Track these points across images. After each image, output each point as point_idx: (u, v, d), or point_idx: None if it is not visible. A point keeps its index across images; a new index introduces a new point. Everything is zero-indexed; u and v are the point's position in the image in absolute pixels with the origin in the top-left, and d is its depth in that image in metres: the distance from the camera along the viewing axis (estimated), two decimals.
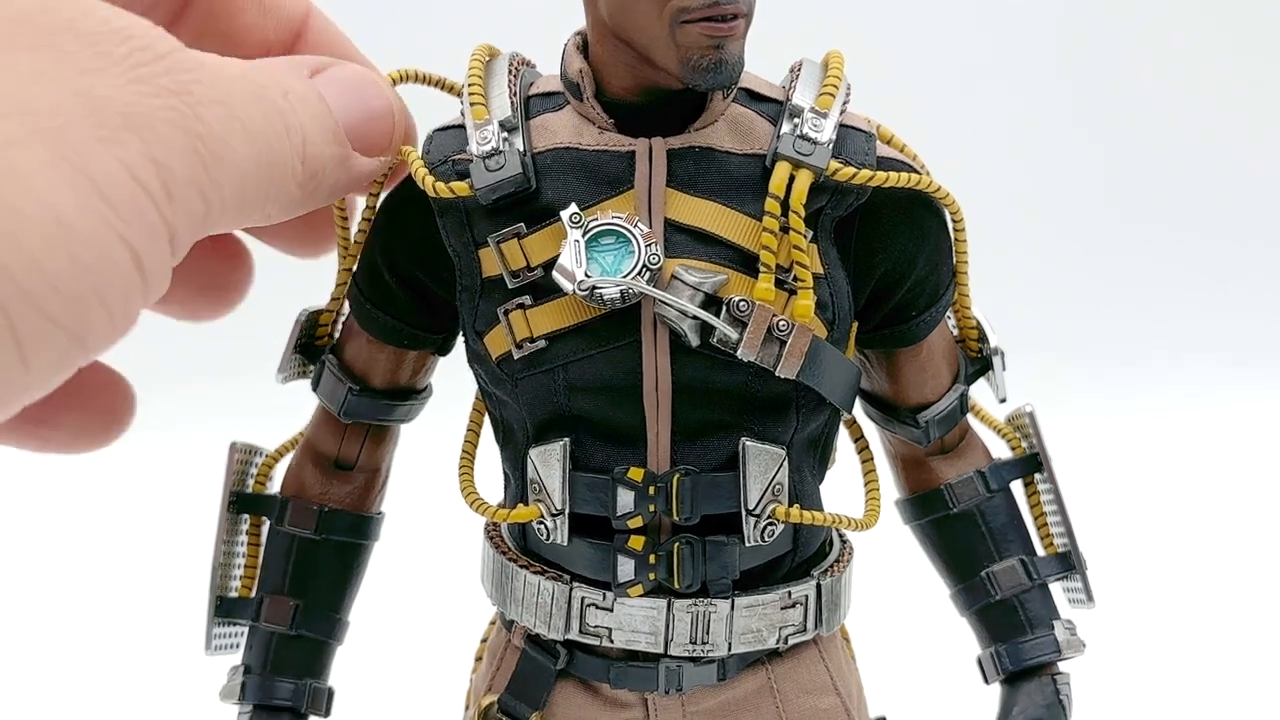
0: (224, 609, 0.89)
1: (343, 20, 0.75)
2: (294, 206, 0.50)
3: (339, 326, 0.88)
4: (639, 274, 0.70)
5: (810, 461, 0.81)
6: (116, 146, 0.37)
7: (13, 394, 0.37)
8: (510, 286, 0.74)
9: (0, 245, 0.34)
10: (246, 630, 0.89)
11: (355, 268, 0.83)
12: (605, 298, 0.70)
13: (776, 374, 0.73)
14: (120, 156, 0.37)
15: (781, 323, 0.72)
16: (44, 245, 0.35)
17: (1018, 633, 0.87)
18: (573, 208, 0.71)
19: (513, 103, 0.75)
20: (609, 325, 0.73)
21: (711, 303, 0.72)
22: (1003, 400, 0.90)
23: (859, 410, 0.88)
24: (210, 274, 0.63)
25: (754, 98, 0.76)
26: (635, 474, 0.75)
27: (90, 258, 0.37)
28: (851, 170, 0.73)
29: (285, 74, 0.52)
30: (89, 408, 0.54)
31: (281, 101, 0.49)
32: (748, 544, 0.77)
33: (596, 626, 0.79)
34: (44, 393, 0.39)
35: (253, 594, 0.89)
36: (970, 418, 0.91)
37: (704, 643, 0.78)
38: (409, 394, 0.88)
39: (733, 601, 0.78)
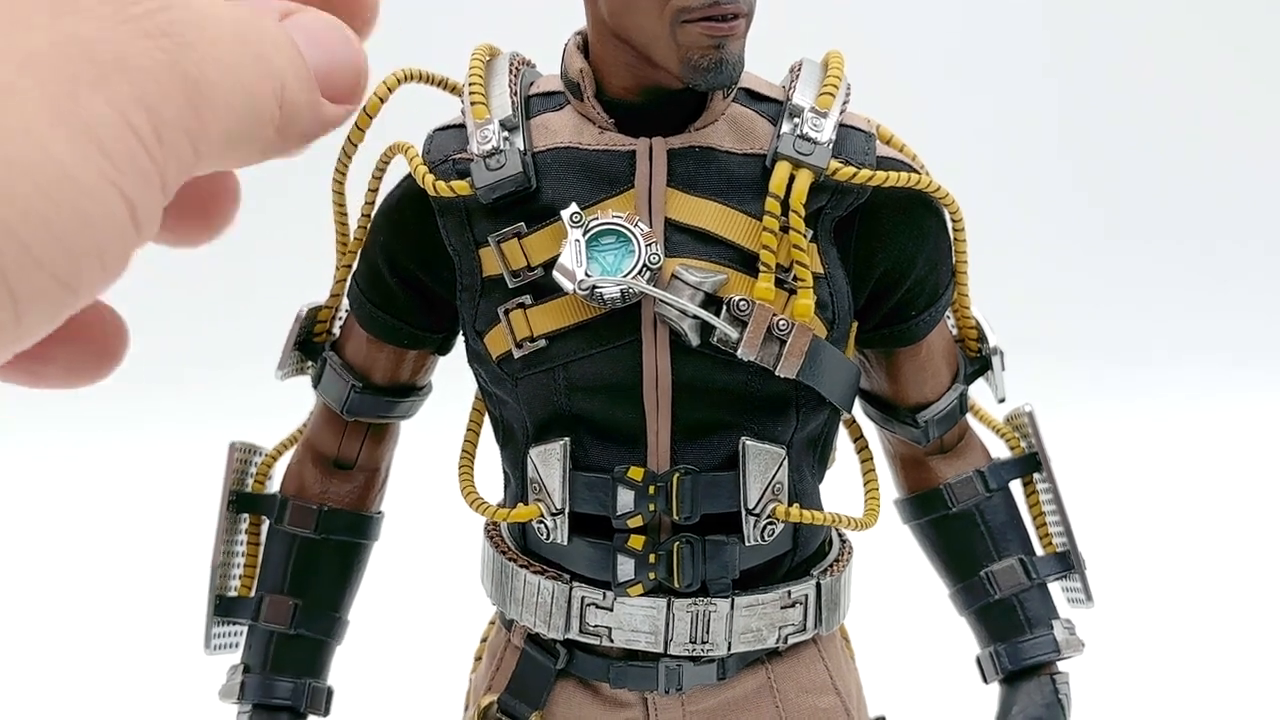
0: (223, 608, 0.89)
1: None
2: (269, 150, 0.50)
3: (338, 323, 0.89)
4: (639, 273, 0.70)
5: (810, 461, 0.81)
6: (108, 90, 0.37)
7: (4, 346, 0.37)
8: (510, 286, 0.74)
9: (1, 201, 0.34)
10: (246, 629, 0.89)
11: (355, 267, 0.83)
12: (605, 297, 0.70)
13: (776, 373, 0.73)
14: (112, 101, 0.37)
15: (781, 322, 0.72)
16: (47, 198, 0.35)
17: (1017, 632, 0.87)
18: (573, 207, 0.71)
19: (513, 102, 0.75)
20: (609, 324, 0.73)
21: (711, 302, 0.72)
22: (1002, 400, 0.90)
23: (858, 410, 0.88)
24: (196, 201, 0.63)
25: (754, 97, 0.76)
26: (635, 473, 0.75)
27: (92, 209, 0.36)
28: (851, 170, 0.73)
29: (258, 16, 0.51)
30: (82, 343, 0.54)
31: (260, 45, 0.48)
32: (747, 543, 0.77)
33: (596, 626, 0.79)
34: (34, 342, 0.38)
35: (252, 593, 0.89)
36: (969, 418, 0.91)
37: (704, 642, 0.78)
38: (410, 390, 0.88)
39: (732, 601, 0.78)
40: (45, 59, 0.36)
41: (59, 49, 0.36)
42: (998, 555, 0.88)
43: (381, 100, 0.77)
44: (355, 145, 0.80)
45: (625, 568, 0.76)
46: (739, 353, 0.72)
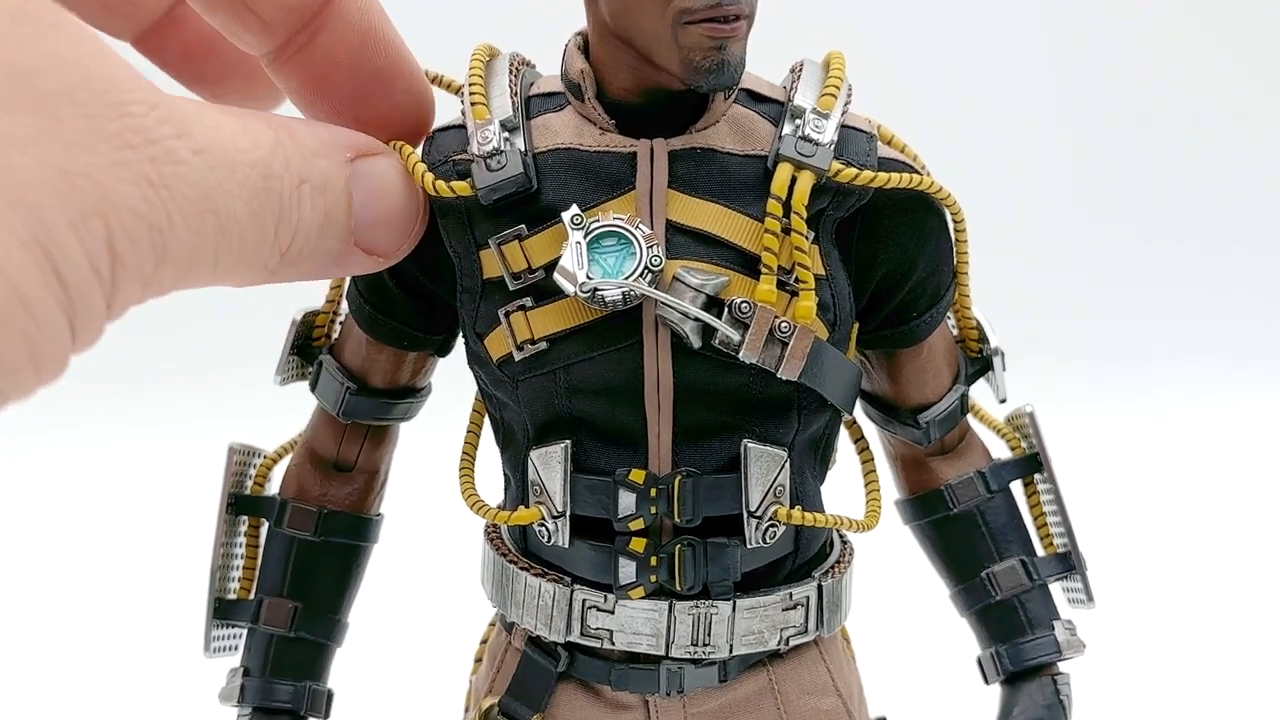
0: (222, 611, 0.89)
1: None
2: (258, 281, 0.50)
3: (335, 328, 0.88)
4: (640, 276, 0.70)
5: (811, 463, 0.81)
6: (84, 231, 0.37)
7: None
8: (511, 288, 0.74)
9: None
10: (245, 632, 0.89)
11: None
12: (607, 299, 0.70)
13: (778, 375, 0.73)
14: (85, 242, 0.38)
15: (783, 324, 0.72)
16: (3, 329, 0.36)
17: (1018, 633, 0.87)
18: (574, 209, 0.71)
19: (514, 103, 0.75)
20: (610, 327, 0.73)
21: (713, 304, 0.72)
22: (1003, 401, 0.90)
23: (859, 411, 0.88)
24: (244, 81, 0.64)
25: (755, 99, 0.76)
26: (637, 476, 0.75)
27: (40, 339, 0.37)
28: (854, 171, 0.73)
29: (319, 156, 0.50)
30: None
31: (288, 194, 0.47)
32: (749, 546, 0.77)
33: (597, 628, 0.79)
34: None
35: (251, 596, 0.89)
36: (970, 418, 0.91)
37: (705, 644, 0.78)
38: (409, 393, 0.87)
39: (734, 603, 0.78)
40: (38, 190, 0.36)
41: (54, 182, 0.37)
42: (999, 556, 0.88)
43: None
44: None
45: (627, 570, 0.76)
46: (741, 355, 0.72)
